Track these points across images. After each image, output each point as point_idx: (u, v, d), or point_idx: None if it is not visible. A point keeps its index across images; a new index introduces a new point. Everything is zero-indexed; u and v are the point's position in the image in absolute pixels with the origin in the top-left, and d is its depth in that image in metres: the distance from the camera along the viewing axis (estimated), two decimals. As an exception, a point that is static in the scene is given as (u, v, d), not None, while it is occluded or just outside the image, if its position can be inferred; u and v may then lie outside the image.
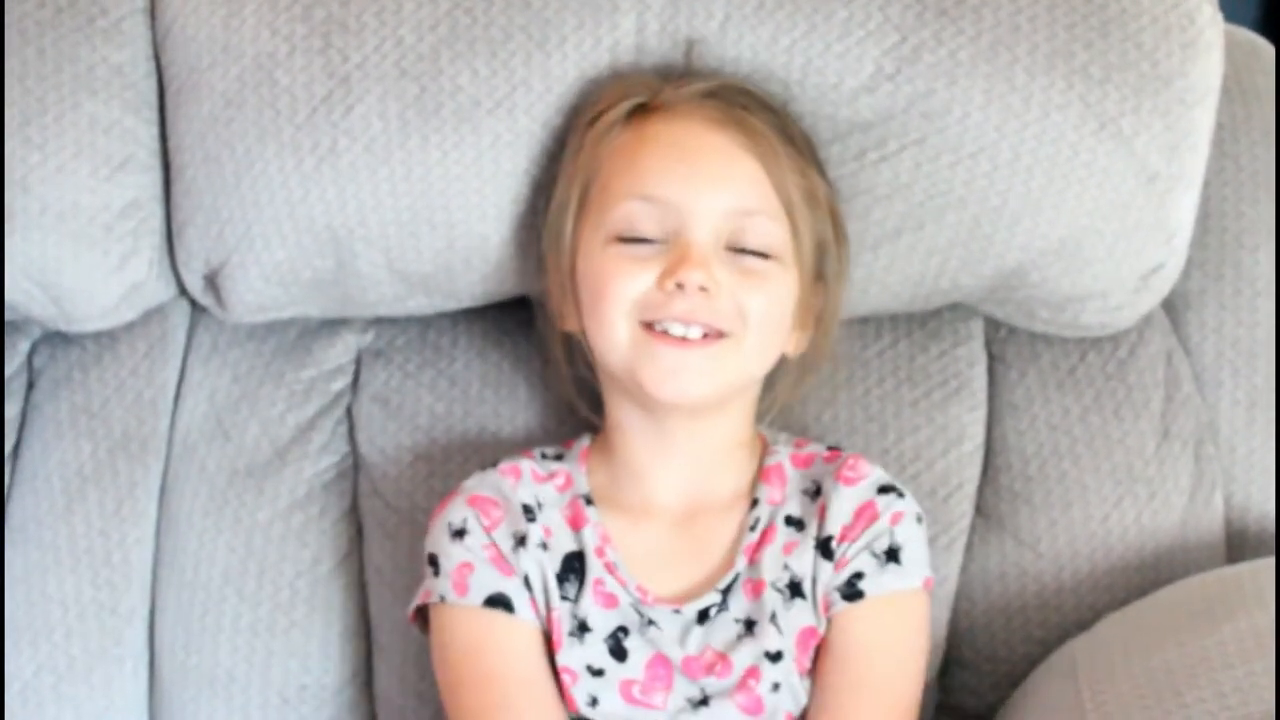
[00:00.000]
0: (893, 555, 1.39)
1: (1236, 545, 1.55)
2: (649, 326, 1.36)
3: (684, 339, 1.35)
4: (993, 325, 1.60)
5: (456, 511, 1.42)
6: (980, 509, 1.56)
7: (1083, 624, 1.49)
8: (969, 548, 1.55)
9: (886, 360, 1.59)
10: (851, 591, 1.38)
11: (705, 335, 1.36)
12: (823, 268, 1.43)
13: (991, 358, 1.59)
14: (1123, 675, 1.33)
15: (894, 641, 1.40)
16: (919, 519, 1.42)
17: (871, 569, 1.39)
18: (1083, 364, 1.57)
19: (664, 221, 1.36)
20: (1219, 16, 1.47)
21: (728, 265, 1.36)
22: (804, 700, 1.38)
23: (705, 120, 1.38)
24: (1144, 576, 1.52)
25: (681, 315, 1.35)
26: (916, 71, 1.42)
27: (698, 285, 1.34)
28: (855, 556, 1.39)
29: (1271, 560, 1.42)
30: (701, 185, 1.36)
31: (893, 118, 1.43)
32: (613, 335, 1.37)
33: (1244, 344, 1.57)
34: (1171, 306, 1.58)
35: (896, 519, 1.40)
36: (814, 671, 1.39)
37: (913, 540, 1.41)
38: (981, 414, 1.57)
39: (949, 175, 1.44)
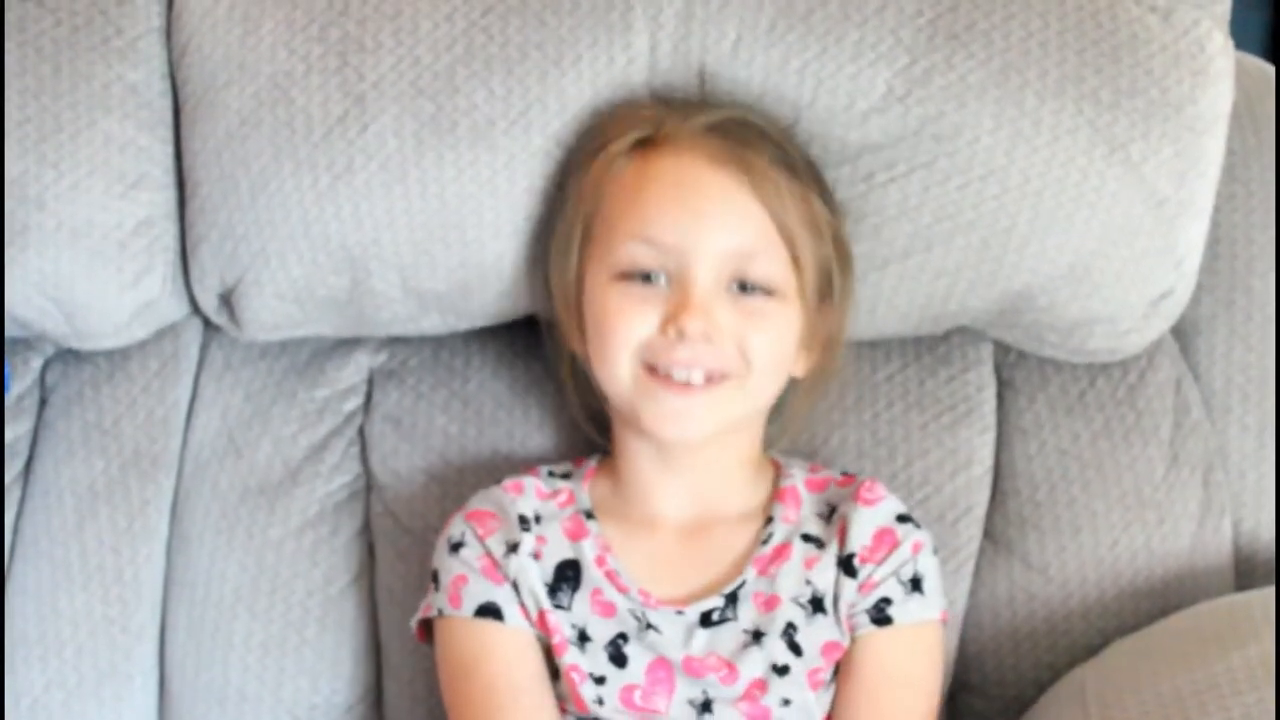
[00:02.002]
0: (916, 584, 1.41)
1: (1245, 572, 1.55)
2: (652, 370, 1.38)
3: (687, 384, 1.37)
4: (1002, 350, 1.60)
5: (456, 527, 1.44)
6: (989, 533, 1.56)
7: (1091, 649, 1.49)
8: (977, 572, 1.55)
9: (896, 384, 1.59)
10: (880, 616, 1.39)
11: (709, 378, 1.37)
12: (828, 291, 1.44)
13: (1000, 382, 1.59)
14: (1131, 701, 1.33)
15: (916, 669, 1.42)
16: (935, 551, 1.44)
17: (899, 596, 1.40)
18: (1092, 389, 1.57)
19: (665, 262, 1.37)
20: (1230, 44, 1.47)
21: (730, 306, 1.37)
22: (817, 716, 1.39)
23: (707, 158, 1.38)
24: (1153, 602, 1.52)
25: (684, 361, 1.37)
26: (927, 94, 1.42)
27: (699, 333, 1.35)
28: (884, 581, 1.40)
29: None
30: (702, 228, 1.36)
31: (903, 140, 1.43)
32: (616, 374, 1.39)
33: (1253, 370, 1.57)
34: (1181, 332, 1.58)
35: (918, 548, 1.42)
36: (835, 691, 1.40)
37: (932, 571, 1.43)
38: (990, 438, 1.57)
39: (958, 198, 1.44)
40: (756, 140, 1.40)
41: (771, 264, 1.38)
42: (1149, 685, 1.34)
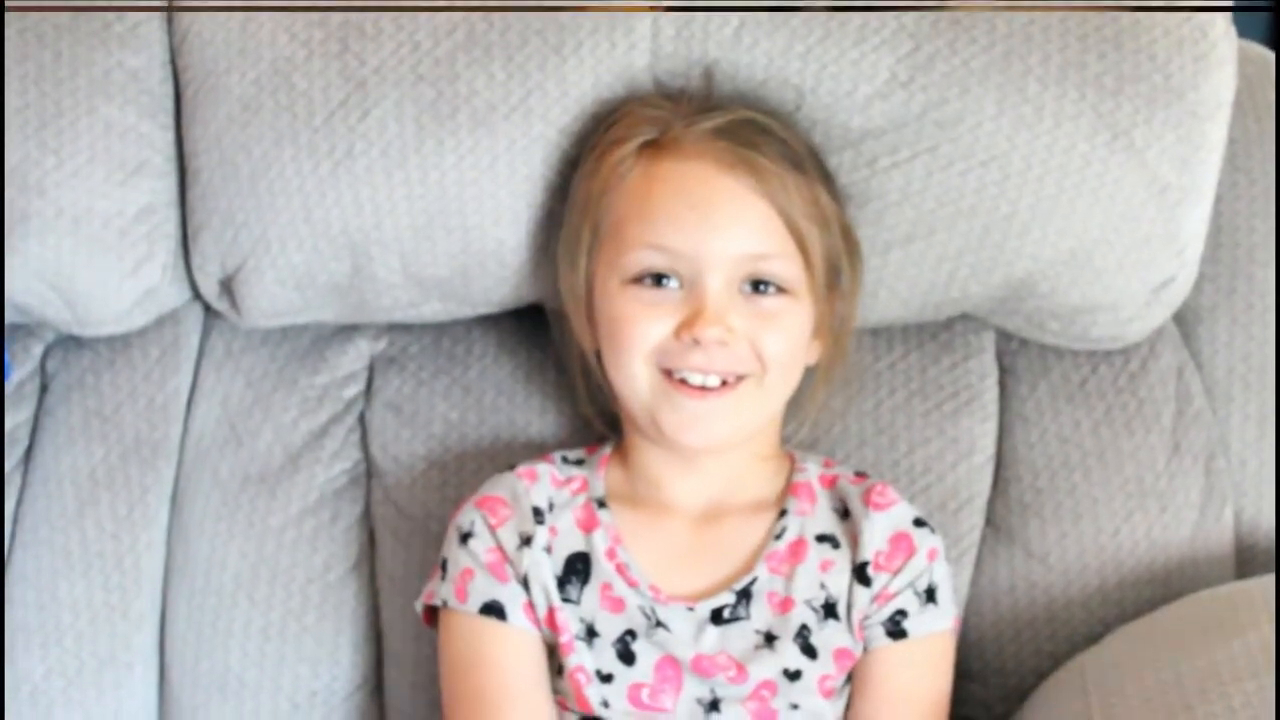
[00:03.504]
0: (931, 595, 1.41)
1: (1246, 560, 1.55)
2: (668, 374, 1.38)
3: (704, 388, 1.37)
4: (1004, 338, 1.60)
5: (466, 515, 1.43)
6: (990, 521, 1.56)
7: (1092, 637, 1.48)
8: (979, 560, 1.55)
9: (898, 372, 1.59)
10: (895, 630, 1.40)
11: (725, 380, 1.38)
12: (836, 280, 1.44)
13: (1003, 370, 1.59)
14: (1132, 689, 1.33)
15: (930, 681, 1.42)
16: (944, 555, 1.44)
17: (914, 608, 1.40)
18: (1094, 377, 1.57)
19: (678, 267, 1.37)
20: (1233, 31, 1.47)
21: (743, 309, 1.37)
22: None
23: (715, 163, 1.38)
24: (1154, 590, 1.52)
25: (700, 366, 1.37)
26: (930, 79, 1.42)
27: (715, 340, 1.35)
28: (900, 593, 1.40)
29: (1281, 575, 1.43)
30: (713, 233, 1.36)
31: (905, 125, 1.43)
32: (632, 379, 1.39)
33: (1255, 359, 1.57)
34: (1183, 320, 1.58)
35: (933, 555, 1.42)
36: (848, 704, 1.40)
37: (945, 579, 1.43)
38: (992, 426, 1.57)
39: (960, 183, 1.44)
40: (762, 140, 1.40)
41: (783, 263, 1.38)
42: (1149, 672, 1.33)
